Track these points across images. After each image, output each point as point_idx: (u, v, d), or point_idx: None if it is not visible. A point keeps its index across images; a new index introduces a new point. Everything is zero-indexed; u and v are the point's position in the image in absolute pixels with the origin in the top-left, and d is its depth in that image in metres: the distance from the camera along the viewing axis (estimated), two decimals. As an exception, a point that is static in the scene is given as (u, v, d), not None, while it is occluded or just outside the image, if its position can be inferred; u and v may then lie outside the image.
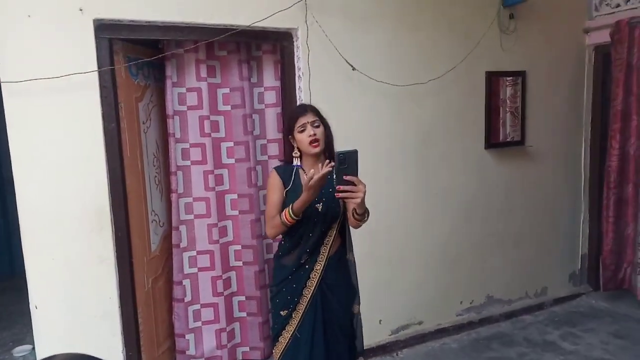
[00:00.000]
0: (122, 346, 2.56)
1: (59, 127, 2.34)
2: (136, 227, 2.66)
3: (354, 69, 2.90)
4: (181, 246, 2.94)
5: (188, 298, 3.00)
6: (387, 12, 3.05)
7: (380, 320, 3.25)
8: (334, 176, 1.78)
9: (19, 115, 2.28)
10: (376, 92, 3.04)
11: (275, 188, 2.07)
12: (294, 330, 2.08)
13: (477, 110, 3.47)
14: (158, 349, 2.92)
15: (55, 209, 2.36)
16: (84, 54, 2.34)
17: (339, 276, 2.13)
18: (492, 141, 3.54)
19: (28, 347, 3.55)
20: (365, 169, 3.01)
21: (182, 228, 2.92)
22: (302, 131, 2.00)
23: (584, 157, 4.00)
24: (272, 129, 3.08)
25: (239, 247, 3.10)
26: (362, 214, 1.91)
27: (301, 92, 2.86)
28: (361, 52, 2.96)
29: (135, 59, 2.64)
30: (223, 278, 3.03)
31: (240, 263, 3.11)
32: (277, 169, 2.13)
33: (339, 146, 2.88)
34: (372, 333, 3.21)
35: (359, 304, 2.26)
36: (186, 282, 2.99)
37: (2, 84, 2.23)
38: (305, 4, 2.74)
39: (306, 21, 2.76)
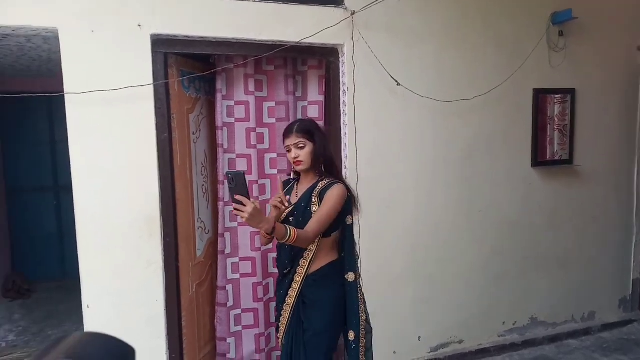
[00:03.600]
0: (165, 348, 2.65)
1: (116, 136, 2.47)
2: (183, 233, 2.75)
3: (398, 84, 2.92)
4: (225, 252, 3.03)
5: (230, 303, 3.07)
6: (433, 27, 3.06)
7: (419, 337, 3.22)
8: (230, 195, 1.85)
9: (80, 125, 2.41)
10: (420, 107, 3.05)
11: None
12: (282, 336, 2.21)
13: (523, 127, 3.41)
14: (200, 352, 3.00)
15: (109, 215, 2.48)
16: (141, 67, 2.47)
17: (321, 292, 2.11)
18: (539, 159, 3.46)
19: (77, 344, 3.71)
20: (406, 183, 3.07)
21: (227, 235, 3.01)
22: (288, 152, 2.14)
23: (636, 178, 3.84)
24: (316, 142, 3.13)
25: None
26: (270, 232, 1.87)
27: (345, 107, 2.90)
28: (406, 67, 2.98)
29: (188, 73, 2.76)
30: (263, 284, 3.09)
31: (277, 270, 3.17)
32: (283, 182, 2.33)
33: (377, 158, 2.94)
34: (411, 349, 3.20)
35: (355, 330, 2.16)
36: (229, 288, 3.06)
37: (65, 95, 2.39)
38: (352, 21, 2.79)
39: (352, 37, 2.81)
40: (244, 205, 1.80)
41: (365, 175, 2.93)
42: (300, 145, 2.08)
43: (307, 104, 3.09)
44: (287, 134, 2.13)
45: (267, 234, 1.90)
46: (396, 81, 2.91)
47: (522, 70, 3.26)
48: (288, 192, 2.22)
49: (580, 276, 3.71)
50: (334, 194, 2.05)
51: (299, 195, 2.15)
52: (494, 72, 3.22)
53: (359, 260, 2.28)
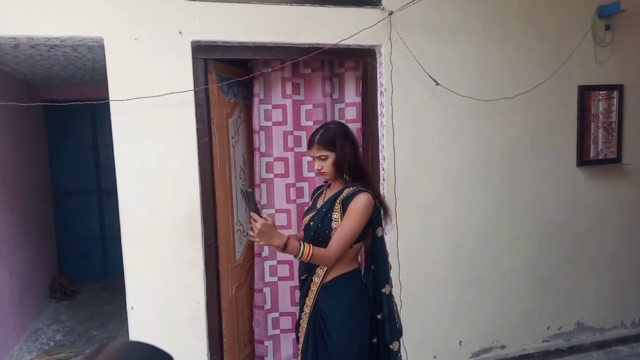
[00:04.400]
0: (206, 350, 2.68)
1: (158, 141, 2.52)
2: (223, 236, 2.79)
3: (437, 83, 2.87)
4: (263, 255, 3.05)
5: (268, 306, 3.09)
6: (473, 25, 2.99)
7: (460, 342, 3.15)
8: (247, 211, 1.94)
9: (124, 131, 2.48)
10: (460, 106, 2.99)
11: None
12: (302, 345, 2.13)
13: (568, 125, 3.29)
14: (239, 354, 3.03)
15: (152, 218, 2.54)
16: (182, 73, 2.52)
17: (334, 305, 2.03)
18: (584, 158, 3.34)
19: (121, 344, 3.81)
20: (446, 185, 3.02)
21: (265, 239, 3.02)
22: (313, 162, 2.11)
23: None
24: (353, 144, 3.12)
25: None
26: (282, 248, 1.87)
27: (383, 108, 2.87)
28: (445, 66, 2.93)
29: (227, 78, 2.80)
30: (301, 288, 3.09)
31: None
32: (315, 188, 2.34)
33: (416, 159, 2.89)
34: (452, 354, 3.14)
35: (397, 339, 2.14)
36: (266, 290, 3.08)
37: (110, 102, 2.45)
38: (390, 21, 2.76)
39: (390, 37, 2.78)
40: (256, 222, 1.82)
41: (403, 177, 2.89)
42: (322, 157, 2.03)
43: (344, 106, 3.08)
44: (309, 145, 2.08)
45: (280, 250, 1.87)
46: (435, 81, 2.86)
47: (566, 66, 3.16)
48: (317, 198, 2.20)
49: (629, 280, 3.55)
50: (358, 206, 1.95)
51: (326, 199, 2.12)
52: (537, 69, 3.13)
53: (390, 269, 2.20)
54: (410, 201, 2.93)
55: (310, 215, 2.12)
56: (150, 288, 2.57)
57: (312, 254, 1.89)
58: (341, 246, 1.94)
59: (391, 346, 2.12)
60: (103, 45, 2.43)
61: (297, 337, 2.19)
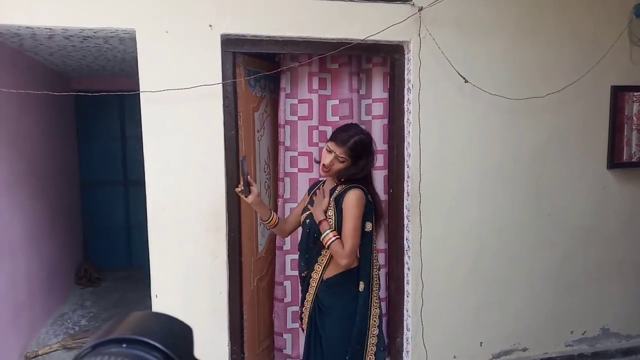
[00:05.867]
0: (227, 340, 2.72)
1: (186, 133, 2.55)
2: (247, 229, 2.81)
3: (466, 81, 2.83)
4: (284, 249, 3.07)
5: (288, 299, 3.10)
6: (504, 21, 2.94)
7: (481, 343, 3.12)
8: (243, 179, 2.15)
9: (154, 122, 2.52)
10: (489, 105, 2.94)
11: (303, 198, 2.37)
12: (306, 334, 2.21)
13: (599, 127, 3.21)
14: (259, 346, 3.06)
15: (178, 209, 2.57)
16: (211, 66, 2.54)
17: (334, 300, 2.08)
18: (616, 161, 3.26)
19: (143, 331, 3.88)
20: (472, 184, 2.98)
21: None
22: (327, 151, 2.06)
23: None
24: (378, 140, 3.08)
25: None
26: (318, 220, 2.06)
27: (410, 104, 2.85)
28: (474, 63, 2.89)
29: (254, 72, 2.81)
30: (321, 283, 3.10)
31: None
32: (312, 184, 2.38)
33: (442, 157, 2.86)
34: (472, 355, 3.11)
35: (360, 347, 2.10)
36: (287, 284, 3.10)
37: (141, 93, 2.49)
38: (420, 17, 2.74)
39: (419, 34, 2.76)
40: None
41: (428, 175, 2.87)
42: (340, 159, 2.02)
43: (371, 102, 3.06)
44: (335, 138, 2.05)
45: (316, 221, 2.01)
46: (464, 78, 2.83)
47: (599, 66, 3.07)
48: (314, 192, 2.24)
49: (659, 287, 3.46)
50: (350, 202, 1.99)
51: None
52: (569, 68, 3.06)
53: (377, 269, 2.16)
54: (435, 199, 2.91)
55: (307, 213, 2.16)
56: (175, 278, 2.61)
57: (331, 242, 1.99)
58: (351, 244, 1.99)
59: (358, 346, 2.08)
60: (135, 37, 2.46)
61: (303, 329, 2.27)
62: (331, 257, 2.06)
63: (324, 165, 2.05)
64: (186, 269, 2.62)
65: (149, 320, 0.45)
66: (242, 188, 2.14)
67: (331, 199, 2.05)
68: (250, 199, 2.14)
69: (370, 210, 2.09)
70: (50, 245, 4.17)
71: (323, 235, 1.99)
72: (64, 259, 4.62)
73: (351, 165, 2.03)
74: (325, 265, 2.08)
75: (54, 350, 3.51)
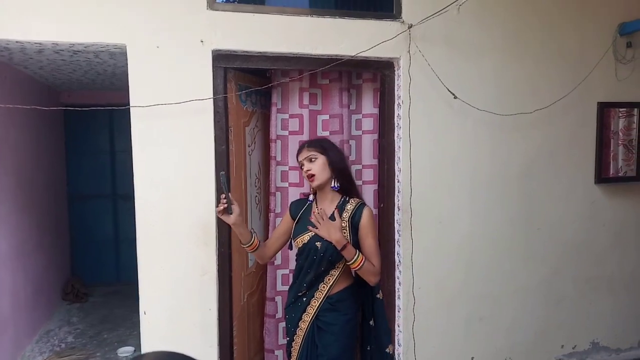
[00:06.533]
0: (217, 357, 2.67)
1: (176, 148, 2.54)
2: (237, 243, 2.77)
3: (455, 97, 2.87)
4: (275, 264, 3.05)
5: (279, 315, 3.08)
6: (493, 39, 2.98)
7: (472, 358, 3.11)
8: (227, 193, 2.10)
9: (143, 136, 2.50)
10: (478, 121, 2.98)
11: (282, 220, 2.33)
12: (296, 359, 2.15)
13: (586, 142, 3.26)
14: (249, 363, 3.02)
15: (168, 224, 2.55)
16: (202, 81, 2.54)
17: (337, 316, 2.08)
18: (603, 175, 3.30)
19: (130, 348, 3.83)
20: (462, 199, 3.00)
21: (278, 247, 3.02)
22: (301, 168, 2.12)
23: None
24: (368, 155, 3.11)
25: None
26: (340, 245, 2.02)
27: (400, 120, 2.87)
28: (464, 80, 2.93)
29: (245, 87, 2.82)
30: (313, 299, 3.08)
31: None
32: (292, 203, 2.34)
33: (432, 172, 2.89)
34: (464, 370, 3.09)
35: (389, 342, 2.23)
36: (278, 299, 3.07)
37: (131, 108, 2.48)
38: (409, 34, 2.77)
39: (409, 50, 2.79)
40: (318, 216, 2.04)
41: (418, 189, 2.88)
42: (313, 158, 2.07)
43: (361, 117, 3.08)
44: (299, 151, 2.16)
45: (337, 246, 1.98)
46: (453, 94, 2.86)
47: (586, 82, 3.13)
48: (306, 213, 2.18)
49: (647, 300, 3.49)
50: (370, 220, 2.06)
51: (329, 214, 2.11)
52: (557, 84, 3.11)
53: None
54: (425, 214, 2.92)
55: (310, 234, 2.10)
56: (164, 293, 2.58)
57: (362, 265, 1.99)
58: (379, 260, 2.06)
59: (387, 350, 2.19)
60: (125, 52, 2.46)
61: (289, 354, 2.20)
62: (339, 275, 2.06)
63: (308, 173, 2.09)
64: (175, 284, 2.59)
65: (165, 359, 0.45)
66: (224, 207, 2.09)
67: (342, 217, 2.04)
68: (232, 219, 2.11)
69: None
70: (37, 260, 4.11)
71: (353, 260, 1.98)
72: (50, 274, 4.55)
73: (327, 159, 2.07)
74: (332, 284, 2.07)
75: (39, 368, 3.44)
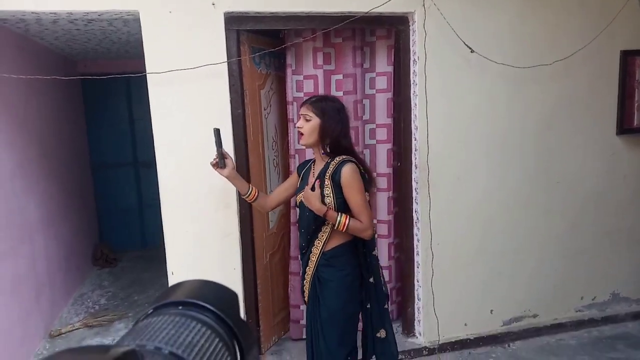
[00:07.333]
0: (243, 314, 2.79)
1: (193, 113, 2.57)
2: (257, 206, 2.85)
3: (472, 51, 2.81)
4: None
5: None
6: (509, -10, 2.89)
7: (491, 310, 3.17)
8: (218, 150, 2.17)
9: (161, 103, 2.54)
10: (495, 74, 2.92)
11: (291, 176, 2.40)
12: (308, 305, 2.26)
13: (608, 92, 3.18)
14: (274, 318, 3.14)
15: (189, 188, 2.62)
16: (216, 45, 2.55)
17: (333, 272, 2.12)
18: (626, 126, 3.24)
19: (161, 309, 3.98)
20: (479, 155, 2.99)
21: (298, 208, 3.08)
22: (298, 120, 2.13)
23: None
24: (382, 114, 3.10)
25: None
26: (321, 213, 2.04)
27: (416, 76, 2.84)
28: (480, 33, 2.86)
29: (259, 49, 2.81)
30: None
31: None
32: (300, 164, 2.39)
33: (449, 129, 2.87)
34: (483, 322, 3.16)
35: (386, 300, 2.27)
36: (301, 258, 3.15)
37: (147, 75, 2.51)
38: (424, -13, 2.70)
39: (424, 4, 2.73)
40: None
41: (435, 147, 2.87)
42: (307, 118, 2.07)
43: (375, 75, 3.06)
44: (302, 103, 2.16)
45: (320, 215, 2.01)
46: (470, 48, 2.80)
47: (608, 31, 3.03)
48: (306, 173, 2.23)
49: (669, 251, 3.47)
50: (350, 176, 2.02)
51: (316, 175, 2.15)
52: (577, 34, 3.02)
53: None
54: (443, 171, 2.92)
55: (303, 193, 2.15)
56: (189, 254, 2.67)
57: (347, 225, 2.01)
58: (367, 215, 2.05)
59: (385, 306, 2.24)
60: (139, 19, 2.47)
61: (305, 302, 2.32)
62: (331, 232, 2.10)
63: (298, 131, 2.13)
64: (200, 246, 2.68)
65: (201, 286, 0.52)
66: (217, 160, 2.17)
67: (326, 177, 2.06)
68: (225, 172, 2.19)
69: (364, 180, 2.13)
70: (66, 227, 4.26)
71: (337, 224, 2.02)
72: (80, 240, 4.72)
73: (320, 124, 2.06)
74: (325, 241, 2.13)
75: (77, 329, 3.63)
